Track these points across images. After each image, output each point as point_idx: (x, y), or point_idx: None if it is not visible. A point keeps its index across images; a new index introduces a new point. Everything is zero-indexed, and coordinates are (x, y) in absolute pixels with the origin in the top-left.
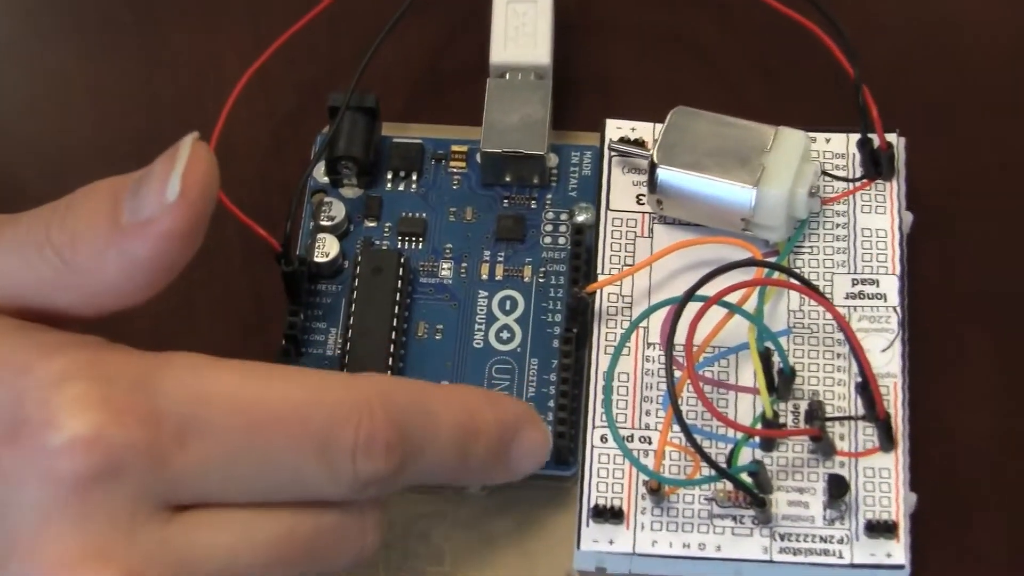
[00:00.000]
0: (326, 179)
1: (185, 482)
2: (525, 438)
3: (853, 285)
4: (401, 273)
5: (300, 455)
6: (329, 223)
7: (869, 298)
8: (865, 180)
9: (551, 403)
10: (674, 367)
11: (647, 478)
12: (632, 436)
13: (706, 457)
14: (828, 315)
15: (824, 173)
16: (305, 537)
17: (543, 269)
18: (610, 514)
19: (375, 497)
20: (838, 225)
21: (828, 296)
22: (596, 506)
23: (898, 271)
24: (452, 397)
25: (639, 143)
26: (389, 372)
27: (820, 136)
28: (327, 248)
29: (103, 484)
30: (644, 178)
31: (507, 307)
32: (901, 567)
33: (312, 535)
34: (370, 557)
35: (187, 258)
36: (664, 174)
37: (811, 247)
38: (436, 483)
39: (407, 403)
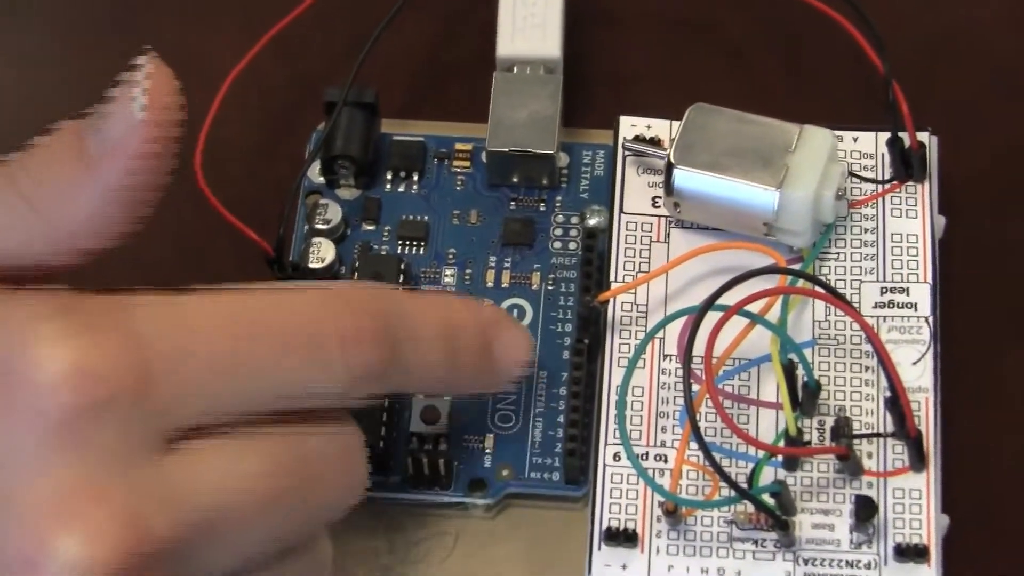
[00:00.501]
0: (321, 179)
1: (177, 405)
2: (505, 333)
3: (882, 294)
4: (401, 280)
5: (290, 355)
6: (325, 226)
7: (899, 307)
8: (895, 182)
9: (561, 419)
10: (692, 381)
11: (663, 499)
12: (647, 454)
13: (726, 477)
14: (855, 325)
15: (851, 174)
16: (293, 465)
17: (552, 276)
18: (623, 537)
19: (370, 396)
20: (866, 230)
21: (855, 305)
22: (608, 528)
23: (930, 279)
24: (426, 297)
25: (655, 142)
26: None
27: (847, 135)
28: (322, 253)
29: (93, 417)
30: (660, 179)
31: (514, 316)
32: None
33: (301, 464)
34: (359, 497)
35: (160, 184)
36: (681, 175)
37: (837, 253)
38: (432, 389)
39: (384, 300)
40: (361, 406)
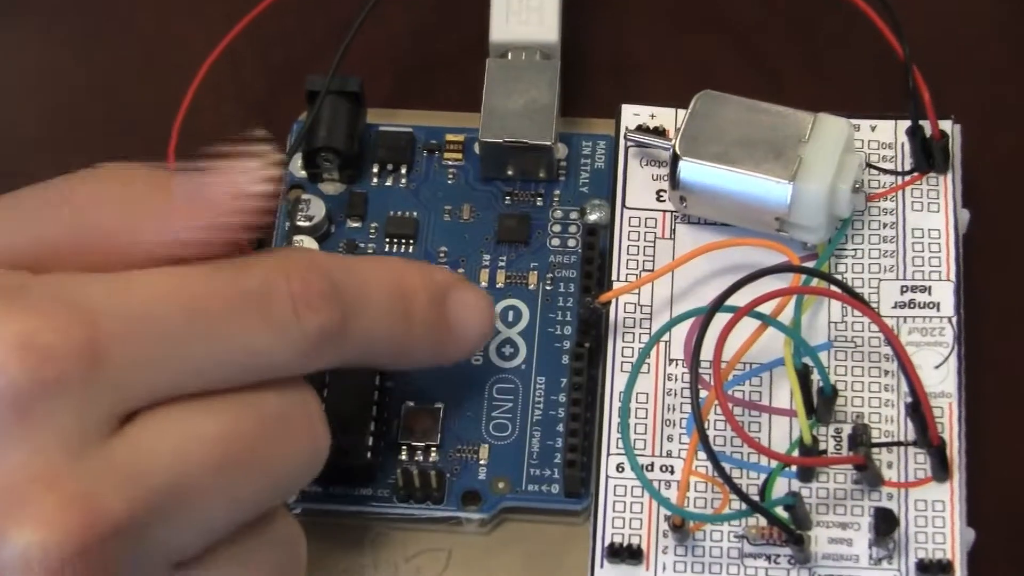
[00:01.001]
0: (303, 173)
1: (130, 380)
2: (459, 295)
3: (902, 293)
4: None
5: (242, 320)
6: (307, 223)
7: (921, 307)
8: (916, 173)
9: (560, 427)
10: (700, 386)
11: (669, 513)
12: (652, 465)
13: (736, 489)
14: (874, 327)
15: (869, 166)
16: (251, 428)
17: (550, 275)
18: (627, 553)
19: (327, 362)
20: (885, 225)
21: (874, 306)
22: (612, 544)
23: (953, 277)
24: (374, 261)
25: (659, 132)
26: (376, 393)
27: (865, 123)
28: None
29: (44, 396)
30: (665, 172)
31: (510, 318)
32: None
33: (257, 425)
34: (319, 463)
35: (218, 252)
36: (688, 167)
37: (855, 250)
38: (390, 356)
39: (330, 263)
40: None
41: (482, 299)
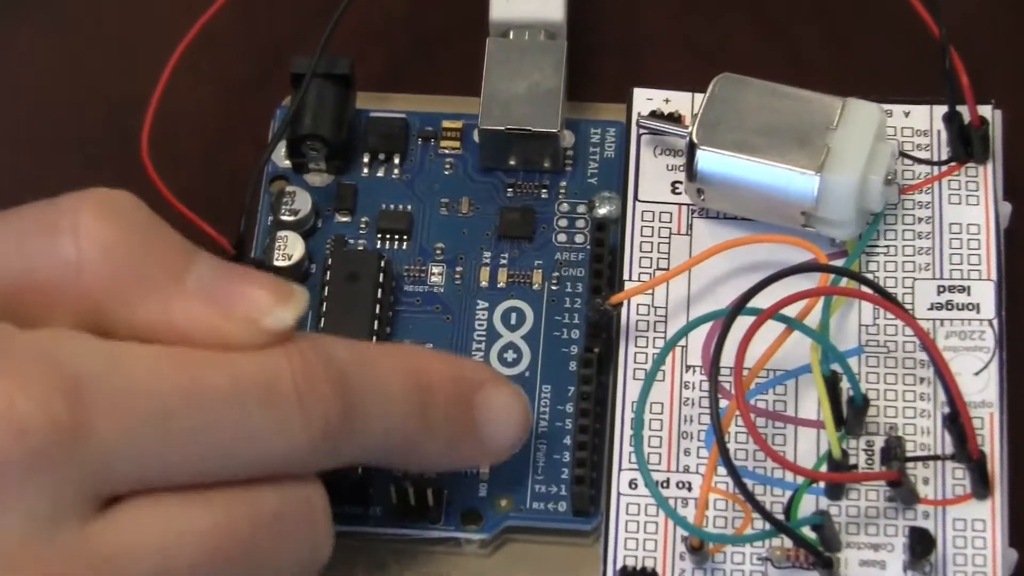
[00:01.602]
0: (288, 163)
1: (115, 462)
2: (491, 394)
3: (939, 293)
4: (381, 280)
5: (241, 406)
6: (291, 218)
7: (959, 309)
8: (953, 163)
9: (567, 440)
10: (720, 395)
11: (687, 533)
12: (668, 481)
13: (759, 507)
14: (908, 330)
15: (903, 155)
16: (245, 526)
17: (556, 274)
18: None
19: (330, 459)
20: (920, 219)
21: (908, 307)
22: (624, 568)
23: (994, 275)
24: (392, 348)
25: (674, 118)
26: None
27: (897, 109)
28: (289, 249)
29: (19, 474)
30: (681, 162)
31: (512, 321)
32: None
33: (252, 523)
34: (321, 564)
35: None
36: (706, 157)
37: (887, 247)
38: (402, 456)
39: (338, 347)
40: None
41: (517, 401)
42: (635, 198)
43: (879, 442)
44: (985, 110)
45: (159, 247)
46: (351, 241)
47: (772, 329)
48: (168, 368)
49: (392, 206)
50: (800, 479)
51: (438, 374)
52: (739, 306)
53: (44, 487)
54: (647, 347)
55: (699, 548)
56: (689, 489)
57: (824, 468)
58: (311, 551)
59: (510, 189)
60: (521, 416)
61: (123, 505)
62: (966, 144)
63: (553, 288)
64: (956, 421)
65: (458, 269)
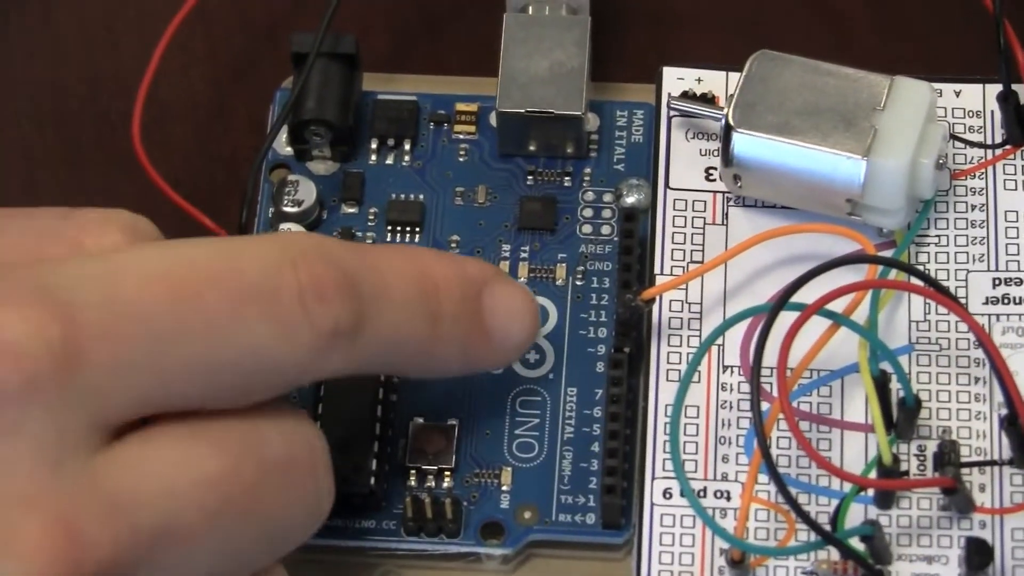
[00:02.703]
0: (290, 150)
1: (114, 383)
2: (497, 291)
3: (995, 286)
4: None
5: (242, 314)
6: (294, 209)
7: (1016, 303)
8: (1008, 146)
9: (596, 446)
10: (761, 398)
11: (727, 545)
12: (705, 490)
13: (805, 516)
14: (963, 326)
15: (954, 137)
16: (251, 471)
17: (582, 269)
18: None
19: (341, 366)
20: (974, 207)
21: (962, 301)
22: None
23: None
24: (394, 249)
25: (708, 99)
26: (380, 408)
27: (948, 88)
28: None
29: (18, 402)
30: (715, 146)
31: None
32: None
33: (259, 470)
34: (321, 518)
35: None
36: (743, 141)
37: (938, 236)
38: (413, 361)
39: (343, 250)
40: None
41: (524, 296)
42: (666, 185)
43: (932, 446)
44: None
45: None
46: (359, 234)
47: (817, 326)
48: (160, 277)
49: (402, 196)
50: (848, 487)
51: (443, 275)
52: (782, 301)
53: (46, 414)
54: (681, 346)
55: (740, 561)
56: (728, 499)
57: (873, 475)
58: (313, 506)
59: (530, 177)
60: (530, 310)
61: (129, 440)
62: (1022, 125)
63: (578, 283)
64: (1014, 423)
65: None
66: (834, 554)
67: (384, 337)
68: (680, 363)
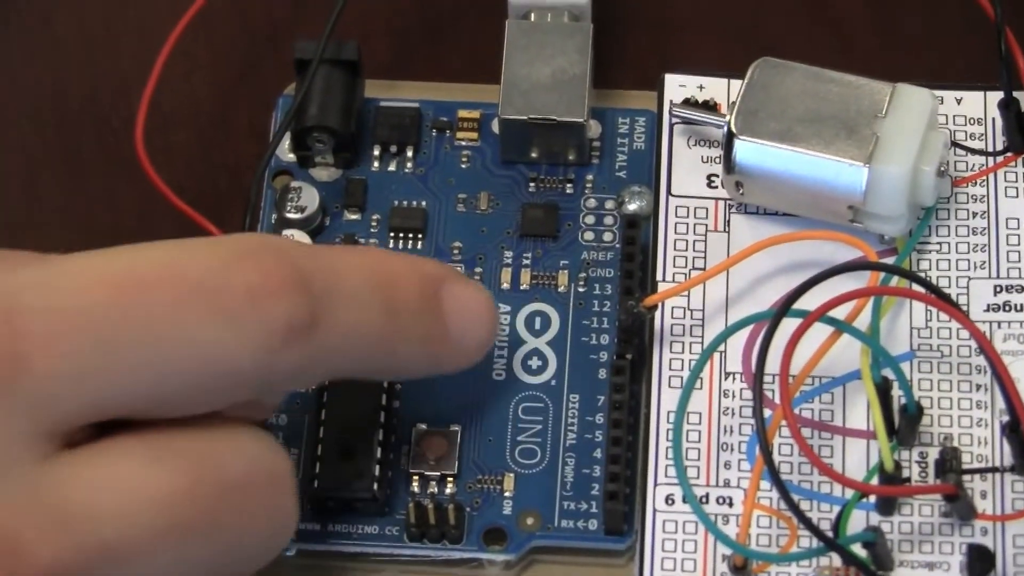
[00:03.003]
0: (292, 157)
1: (60, 387)
2: (455, 289)
3: (996, 294)
4: None
5: (187, 313)
6: (298, 215)
7: (1017, 310)
8: (1010, 154)
9: (598, 452)
10: (763, 405)
11: (730, 551)
12: (707, 496)
13: (808, 523)
14: (964, 333)
15: (955, 145)
16: (209, 492)
17: (584, 275)
18: None
19: (298, 367)
20: (975, 214)
21: (964, 308)
22: None
23: None
24: (348, 248)
25: (710, 106)
26: (383, 413)
27: (949, 95)
28: None
29: None
30: (717, 153)
31: (537, 326)
32: None
33: (216, 490)
34: (284, 541)
35: None
36: (745, 148)
37: (940, 243)
38: (371, 361)
39: (293, 247)
40: (289, 383)
41: (481, 294)
42: (668, 192)
43: (933, 453)
44: None
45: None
46: (361, 240)
47: (819, 333)
48: (103, 290)
49: (405, 202)
50: (849, 493)
51: (399, 270)
52: (784, 308)
53: None
54: (683, 353)
55: (742, 567)
56: (730, 505)
57: (875, 481)
58: (276, 524)
59: (532, 183)
60: (488, 308)
61: (80, 452)
62: (1023, 133)
63: (580, 290)
64: (1016, 430)
65: (477, 270)
66: (836, 560)
67: (341, 332)
68: (682, 370)
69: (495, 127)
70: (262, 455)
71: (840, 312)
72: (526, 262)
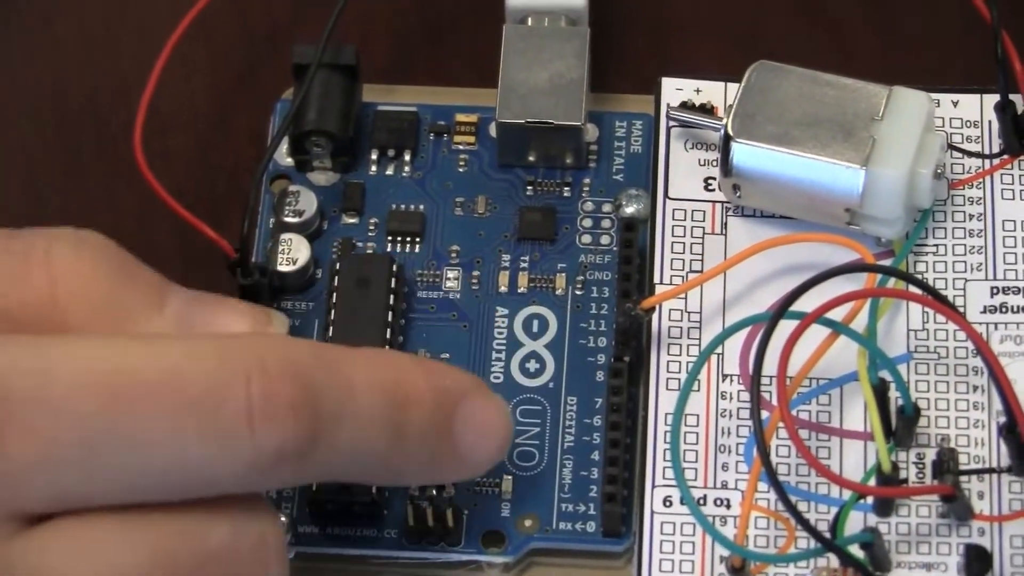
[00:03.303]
0: (291, 161)
1: (34, 479)
2: (473, 406)
3: (992, 295)
4: (393, 285)
5: (178, 427)
6: (295, 219)
7: (1014, 312)
8: (1006, 156)
9: (596, 455)
10: (761, 406)
11: (728, 552)
12: (705, 498)
13: (805, 524)
14: (961, 335)
15: (952, 147)
16: (188, 563)
17: (581, 278)
18: None
19: (288, 481)
20: (971, 216)
21: (960, 310)
22: None
23: None
24: (370, 357)
25: (707, 109)
26: None
27: (945, 98)
28: (294, 252)
29: None
30: (714, 156)
31: (534, 329)
32: None
33: (197, 560)
34: None
35: None
36: (742, 151)
37: (936, 245)
38: (370, 475)
39: (311, 360)
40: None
41: (500, 411)
42: (665, 195)
43: (931, 454)
44: None
45: (134, 281)
46: (359, 244)
47: (816, 335)
48: (96, 392)
49: (403, 206)
50: (847, 494)
51: (417, 386)
52: (782, 310)
53: None
54: (680, 355)
55: (740, 568)
56: (728, 506)
57: (872, 482)
58: None
59: (530, 187)
60: (504, 426)
61: (52, 526)
62: (1020, 136)
63: (578, 293)
64: (1013, 431)
65: (475, 273)
66: (834, 561)
67: (341, 453)
68: (680, 372)
69: (492, 131)
70: (248, 523)
71: (837, 314)
72: (524, 265)
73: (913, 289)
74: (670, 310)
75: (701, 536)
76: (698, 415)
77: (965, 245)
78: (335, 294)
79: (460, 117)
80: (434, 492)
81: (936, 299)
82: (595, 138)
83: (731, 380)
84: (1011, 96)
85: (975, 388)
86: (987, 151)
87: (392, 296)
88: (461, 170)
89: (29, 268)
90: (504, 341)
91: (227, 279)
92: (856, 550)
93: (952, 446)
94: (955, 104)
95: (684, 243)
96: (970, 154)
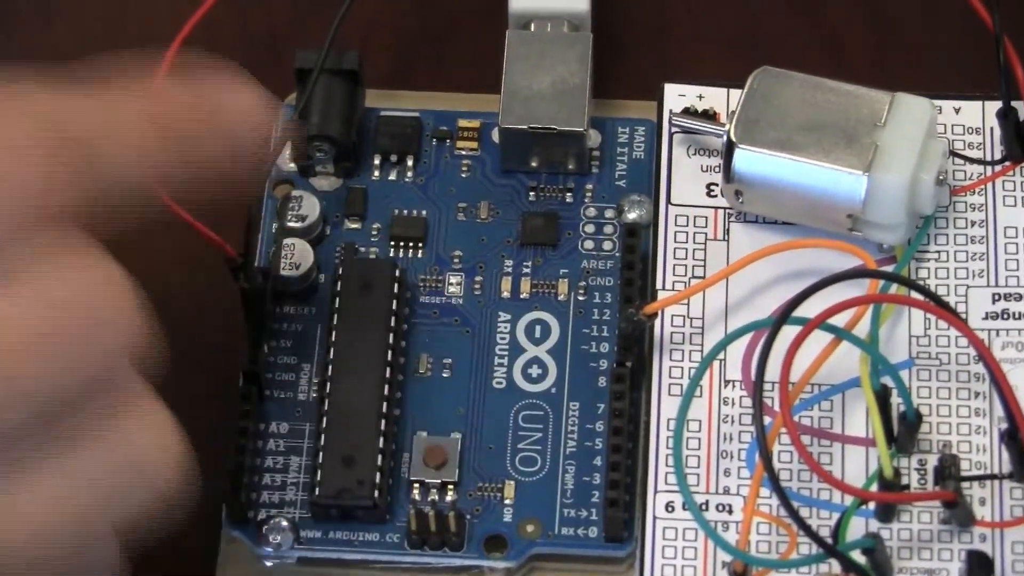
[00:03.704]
0: (293, 166)
1: None
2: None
3: (994, 301)
4: (396, 290)
5: None
6: (298, 224)
7: (1016, 318)
8: (1008, 163)
9: (598, 460)
10: (763, 412)
11: (730, 558)
12: (707, 503)
13: (808, 529)
14: (963, 341)
15: (954, 154)
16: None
17: (584, 284)
18: None
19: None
20: (974, 223)
21: (962, 316)
22: None
23: None
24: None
25: (709, 115)
26: (383, 421)
27: (947, 105)
28: (297, 258)
29: None
30: (717, 162)
31: (537, 334)
32: None
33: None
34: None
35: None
36: (744, 157)
37: (938, 252)
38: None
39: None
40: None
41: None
42: (668, 201)
43: (932, 460)
44: None
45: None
46: (362, 249)
47: (818, 341)
48: None
49: (405, 211)
50: (849, 500)
51: (177, 108)
52: (784, 316)
53: None
54: (683, 361)
55: (742, 574)
56: (730, 512)
57: (874, 488)
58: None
59: (532, 192)
60: (254, 97)
61: None
62: (1022, 142)
63: (580, 299)
64: (1015, 437)
65: (477, 279)
66: (836, 567)
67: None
68: (682, 377)
69: (495, 136)
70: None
71: (839, 320)
72: (526, 271)
73: (915, 295)
74: (672, 316)
75: (703, 541)
76: (700, 420)
77: (967, 251)
78: (338, 299)
79: (463, 122)
80: (436, 496)
81: (938, 305)
82: (598, 144)
83: (733, 386)
84: (1013, 103)
85: (977, 394)
86: (989, 158)
87: (395, 301)
88: (464, 175)
89: None
90: (506, 346)
91: (230, 283)
92: (858, 556)
93: (954, 452)
94: (957, 111)
95: (686, 249)
96: (972, 161)
